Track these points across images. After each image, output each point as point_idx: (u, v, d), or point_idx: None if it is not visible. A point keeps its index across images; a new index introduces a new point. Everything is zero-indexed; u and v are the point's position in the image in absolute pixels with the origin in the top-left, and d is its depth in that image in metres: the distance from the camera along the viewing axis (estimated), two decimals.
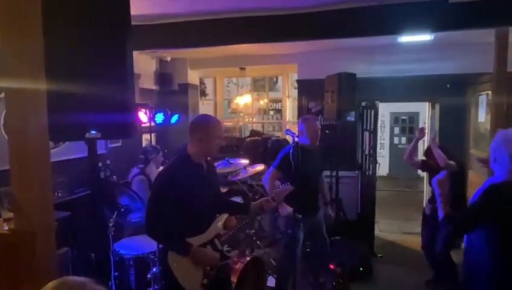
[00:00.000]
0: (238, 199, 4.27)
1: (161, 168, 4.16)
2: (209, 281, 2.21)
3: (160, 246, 2.90)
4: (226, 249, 2.42)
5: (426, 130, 4.17)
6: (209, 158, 2.43)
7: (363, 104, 5.49)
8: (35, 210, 1.67)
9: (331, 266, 3.94)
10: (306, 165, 3.16)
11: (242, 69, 6.92)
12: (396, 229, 6.06)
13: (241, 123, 8.24)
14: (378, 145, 9.09)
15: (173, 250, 2.18)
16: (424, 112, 8.05)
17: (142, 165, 4.09)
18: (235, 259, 3.22)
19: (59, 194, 4.07)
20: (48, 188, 1.78)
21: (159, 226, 2.17)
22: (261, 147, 5.62)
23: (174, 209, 2.14)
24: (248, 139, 6.30)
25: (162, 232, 2.21)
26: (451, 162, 3.55)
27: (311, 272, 3.85)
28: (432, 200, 3.76)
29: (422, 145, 5.56)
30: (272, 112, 9.07)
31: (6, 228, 1.76)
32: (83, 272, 3.47)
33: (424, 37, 4.53)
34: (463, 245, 2.21)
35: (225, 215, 2.43)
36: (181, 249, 2.17)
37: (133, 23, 2.15)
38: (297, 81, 6.25)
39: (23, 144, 1.65)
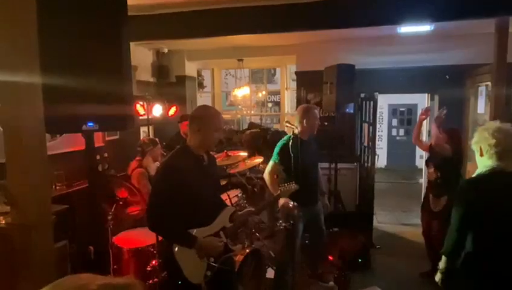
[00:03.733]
0: (236, 192, 4.25)
1: (158, 162, 4.14)
2: (212, 273, 2.21)
3: (160, 238, 2.89)
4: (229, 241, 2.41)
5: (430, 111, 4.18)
6: (211, 151, 2.41)
7: (362, 95, 5.46)
8: (31, 204, 1.66)
9: (331, 258, 3.95)
10: (305, 156, 3.14)
11: (240, 60, 6.86)
12: (395, 220, 6.08)
13: (239, 116, 8.21)
14: (377, 137, 9.12)
15: (178, 244, 2.18)
16: (422, 103, 8.01)
17: (140, 158, 4.07)
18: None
19: (57, 187, 4.06)
20: (45, 181, 1.76)
21: (162, 220, 2.16)
22: (260, 139, 5.60)
23: (176, 201, 2.13)
24: (247, 131, 6.28)
25: (166, 226, 2.19)
26: (446, 146, 3.56)
27: (309, 264, 3.86)
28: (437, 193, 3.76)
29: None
30: (270, 104, 9.03)
31: (3, 222, 1.74)
32: (82, 265, 3.46)
33: (424, 28, 4.50)
34: None
35: (232, 209, 2.42)
36: (186, 242, 2.16)
37: (130, 13, 2.12)
38: (296, 72, 6.21)
39: (18, 136, 1.62)
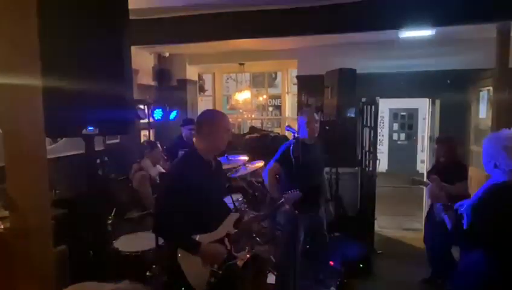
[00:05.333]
0: (237, 196, 4.23)
1: (159, 165, 4.14)
2: (216, 279, 2.19)
3: (162, 242, 2.87)
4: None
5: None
6: (216, 155, 2.40)
7: (363, 100, 5.45)
8: (31, 208, 1.64)
9: (332, 263, 3.92)
10: (307, 160, 3.13)
11: (241, 64, 6.87)
12: (396, 225, 6.05)
13: (240, 120, 8.21)
14: (378, 142, 9.11)
15: (183, 248, 2.16)
16: (423, 108, 8.03)
17: (139, 160, 4.08)
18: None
19: (57, 192, 4.03)
20: (44, 185, 1.74)
21: (168, 224, 2.14)
22: (261, 144, 5.59)
23: (184, 206, 2.11)
24: (247, 136, 6.27)
25: (171, 230, 2.17)
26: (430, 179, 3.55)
27: (310, 269, 3.83)
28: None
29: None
30: (271, 108, 9.02)
31: (2, 227, 1.72)
32: (81, 270, 3.43)
33: (425, 33, 4.49)
34: None
35: (236, 215, 2.40)
36: (191, 247, 2.14)
37: (131, 17, 2.11)
38: (297, 77, 6.21)
39: (17, 140, 1.61)
